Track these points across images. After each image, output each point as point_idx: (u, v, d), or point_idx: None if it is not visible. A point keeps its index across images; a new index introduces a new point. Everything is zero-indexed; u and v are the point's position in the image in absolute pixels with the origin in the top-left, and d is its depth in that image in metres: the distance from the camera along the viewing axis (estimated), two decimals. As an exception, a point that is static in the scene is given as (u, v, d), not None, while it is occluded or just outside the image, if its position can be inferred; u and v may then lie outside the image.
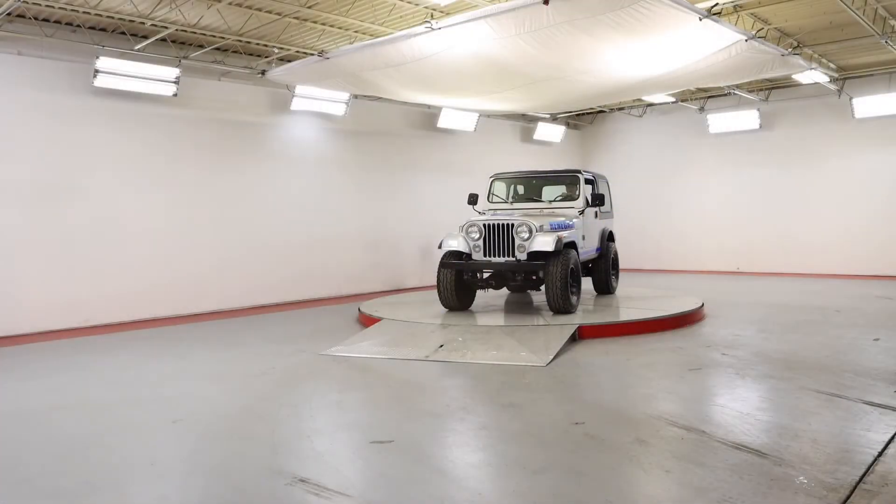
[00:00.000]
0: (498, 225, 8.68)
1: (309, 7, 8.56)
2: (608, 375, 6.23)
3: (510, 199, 10.12)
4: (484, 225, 8.76)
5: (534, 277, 8.75)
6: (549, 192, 10.17)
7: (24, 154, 8.97)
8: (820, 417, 4.74)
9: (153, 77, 9.72)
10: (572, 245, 8.84)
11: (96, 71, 9.19)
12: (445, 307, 9.15)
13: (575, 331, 7.63)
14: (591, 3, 6.45)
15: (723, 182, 16.22)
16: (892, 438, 4.25)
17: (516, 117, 16.23)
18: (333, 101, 12.04)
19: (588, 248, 9.77)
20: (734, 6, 9.01)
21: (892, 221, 13.92)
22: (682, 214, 16.84)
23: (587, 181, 9.84)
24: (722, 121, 15.79)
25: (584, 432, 4.54)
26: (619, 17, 6.64)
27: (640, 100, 15.22)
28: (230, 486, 3.82)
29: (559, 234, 8.48)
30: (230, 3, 8.42)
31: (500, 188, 10.29)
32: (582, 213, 9.47)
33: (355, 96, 12.17)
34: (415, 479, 3.86)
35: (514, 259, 8.59)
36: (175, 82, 9.88)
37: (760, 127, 15.31)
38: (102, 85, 9.37)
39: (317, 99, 11.79)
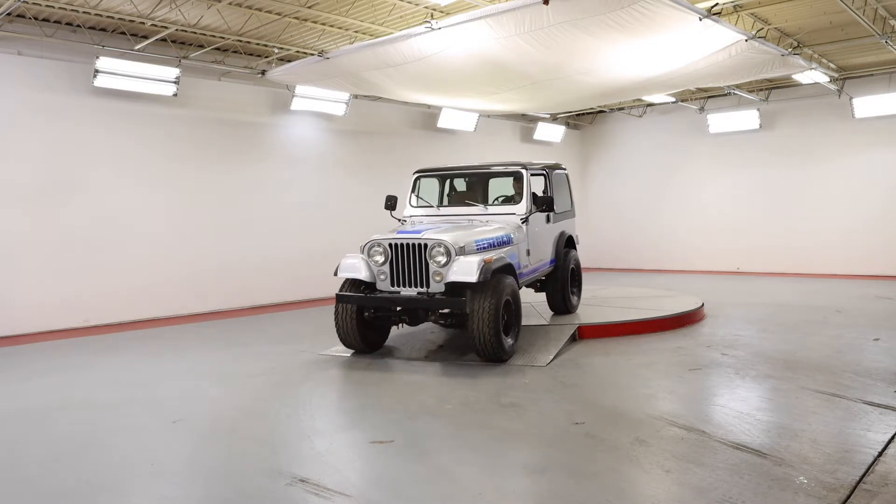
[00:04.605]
0: (406, 245, 6.63)
1: (309, 7, 8.56)
2: (608, 375, 6.22)
3: (440, 203, 8.22)
4: (389, 245, 6.72)
5: (459, 313, 6.60)
6: (490, 192, 8.31)
7: (24, 154, 8.97)
8: (820, 417, 4.74)
9: (153, 77, 9.71)
10: (508, 269, 6.84)
11: (96, 71, 9.19)
12: (348, 348, 7.22)
13: (575, 331, 7.63)
14: (591, 3, 6.45)
15: (723, 182, 16.21)
16: (892, 438, 4.25)
17: (516, 117, 16.23)
18: (333, 101, 12.04)
19: (536, 263, 7.93)
20: (734, 6, 9.01)
21: (892, 221, 13.92)
22: (681, 214, 16.83)
23: (536, 175, 8.13)
24: (722, 121, 15.78)
25: (584, 432, 4.54)
26: (619, 16, 6.65)
27: (640, 100, 15.21)
28: (230, 486, 3.82)
29: (486, 256, 6.44)
30: (230, 3, 8.42)
31: (428, 188, 8.31)
32: (525, 220, 7.63)
33: (355, 96, 12.17)
34: (415, 479, 3.86)
35: (426, 291, 6.54)
36: (175, 82, 9.88)
37: (760, 127, 15.31)
38: (102, 85, 9.37)
39: (317, 99, 11.78)
